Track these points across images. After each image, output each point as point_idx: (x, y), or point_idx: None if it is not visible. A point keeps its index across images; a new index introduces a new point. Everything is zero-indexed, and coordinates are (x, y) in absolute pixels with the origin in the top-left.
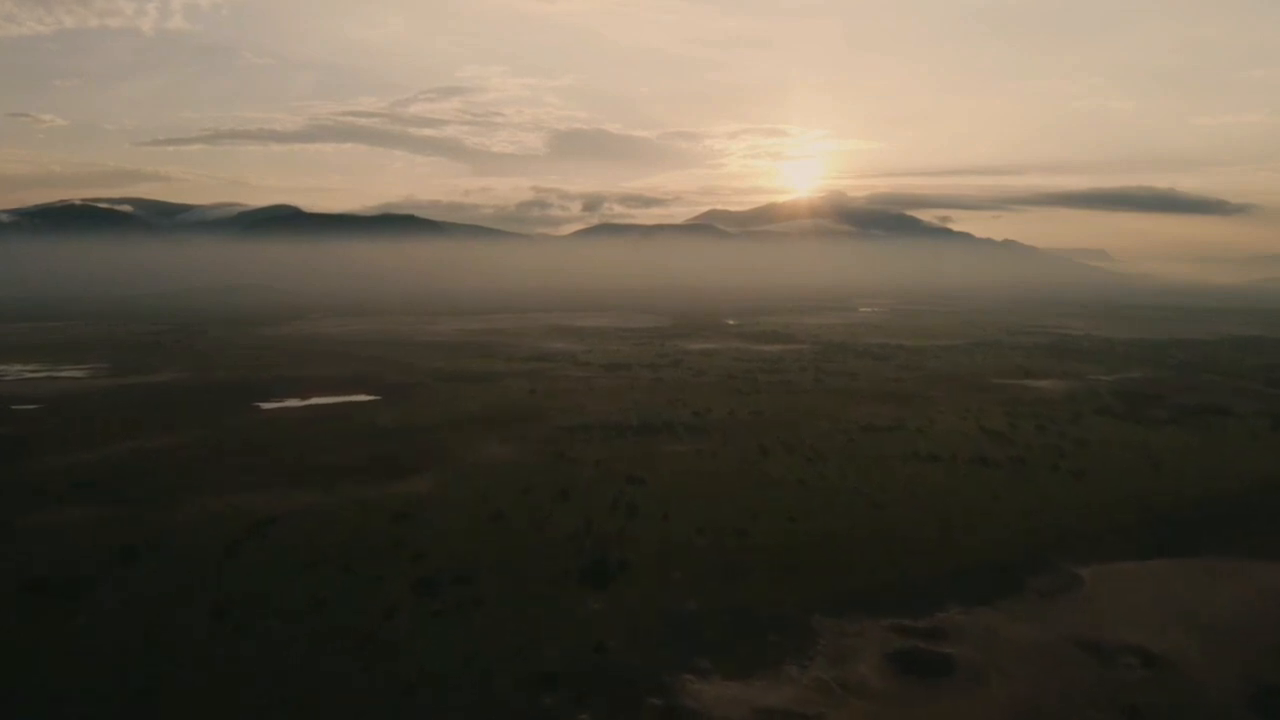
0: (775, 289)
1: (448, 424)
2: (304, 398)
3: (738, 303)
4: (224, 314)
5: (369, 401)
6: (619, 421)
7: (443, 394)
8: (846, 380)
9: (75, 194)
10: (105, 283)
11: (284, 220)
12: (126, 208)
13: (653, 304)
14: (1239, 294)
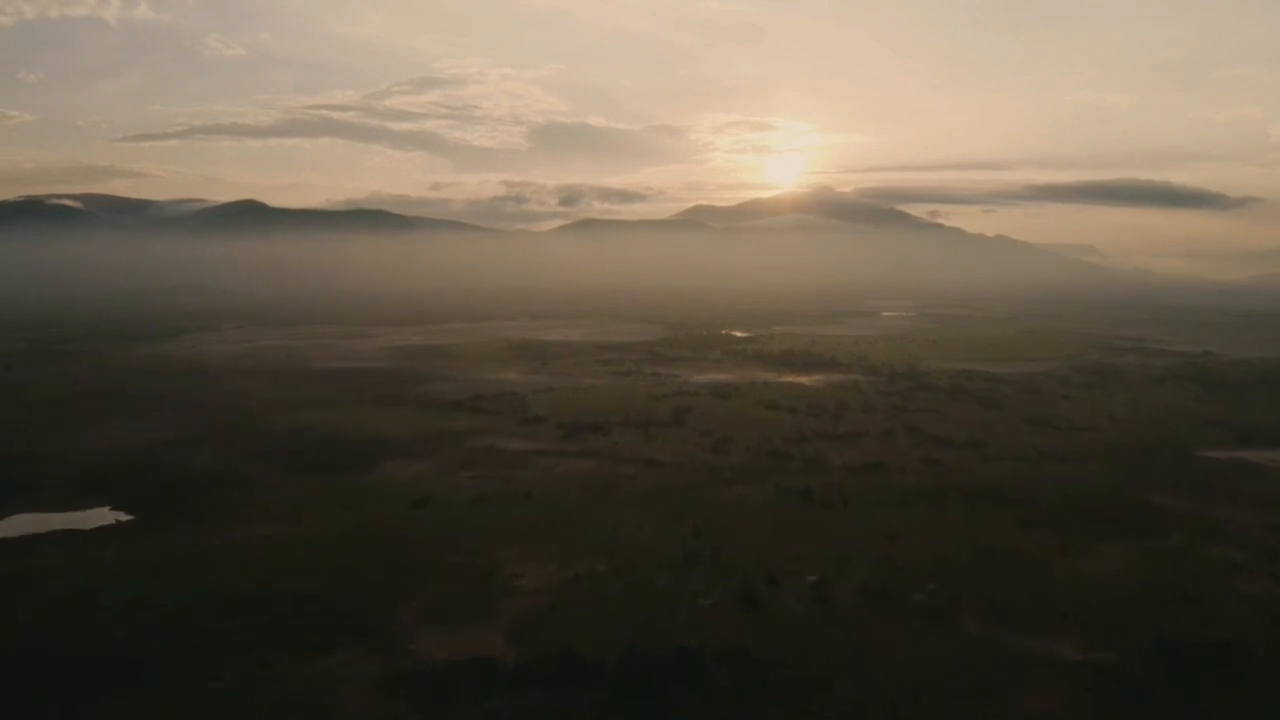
0: (770, 288)
1: (145, 645)
2: None
3: (736, 305)
4: (118, 322)
5: (91, 534)
6: (567, 651)
7: (245, 514)
8: (976, 461)
9: (46, 190)
10: (23, 284)
11: (247, 216)
12: (75, 204)
13: (638, 307)
14: (1252, 291)
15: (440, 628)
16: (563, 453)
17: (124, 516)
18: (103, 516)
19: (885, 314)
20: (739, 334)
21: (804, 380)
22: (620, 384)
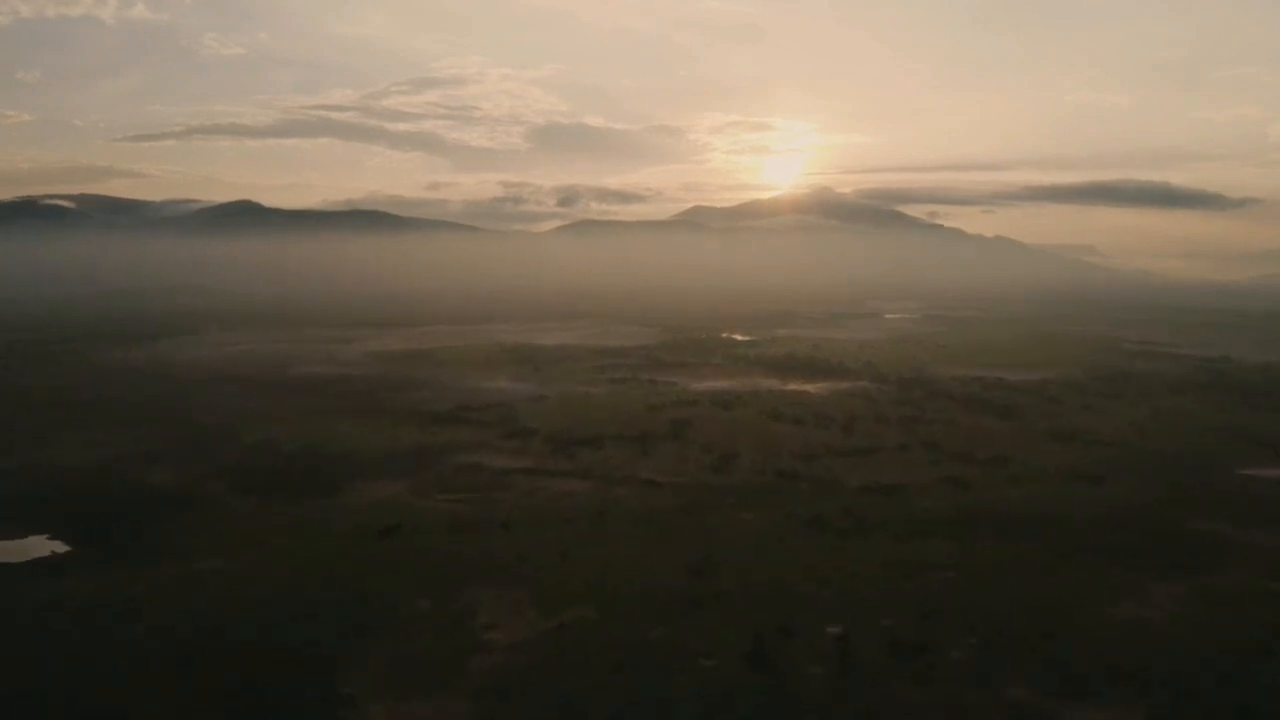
0: (770, 289)
1: None
2: None
3: (735, 306)
4: (106, 324)
5: (17, 569)
6: None
7: (192, 545)
8: (1002, 481)
9: (46, 191)
10: (14, 285)
11: (244, 217)
12: (69, 204)
13: (636, 309)
14: (1253, 292)
15: (397, 698)
16: (551, 471)
17: (61, 547)
18: (38, 547)
19: (888, 316)
20: (739, 337)
21: (810, 388)
22: (616, 392)
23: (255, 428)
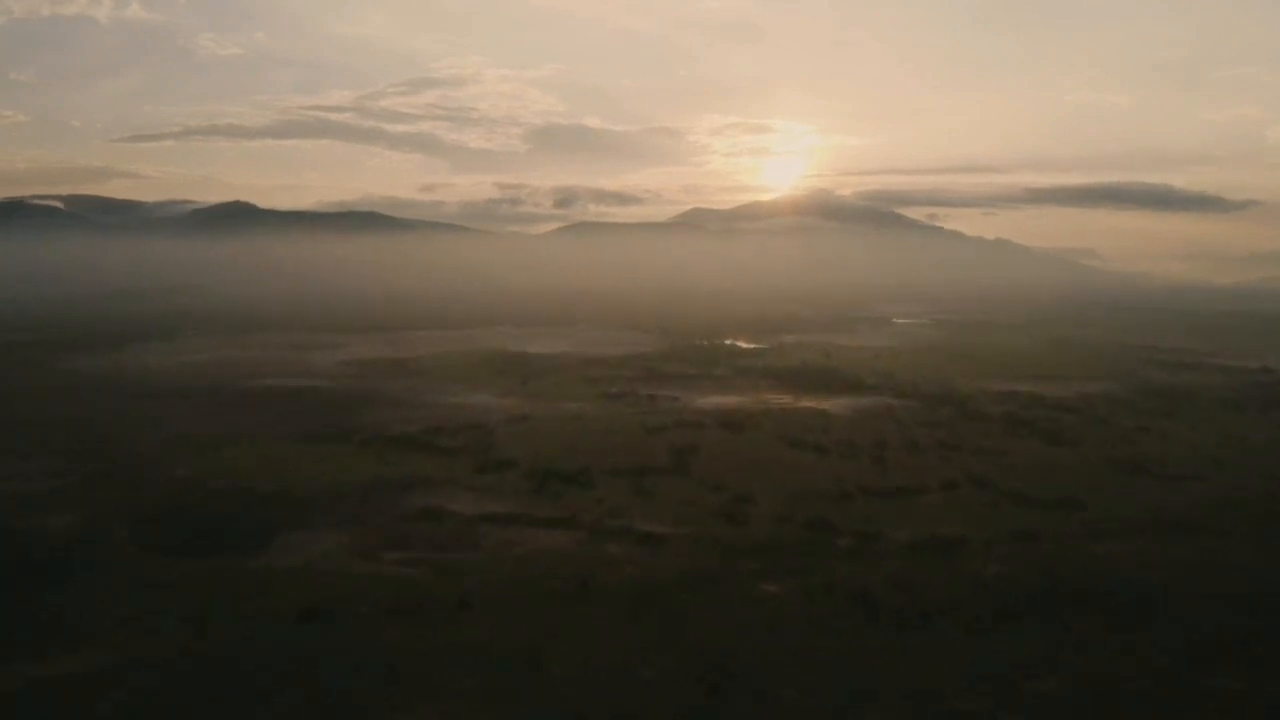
0: (771, 291)
1: None
2: None
3: (736, 309)
4: (67, 328)
5: None
6: None
7: (57, 631)
8: (1080, 533)
9: (43, 192)
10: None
11: (238, 218)
12: (59, 204)
13: (634, 313)
14: (1254, 294)
15: None
16: (528, 519)
17: None
18: None
19: (897, 320)
20: (744, 345)
21: (827, 405)
22: (609, 411)
23: (189, 457)
